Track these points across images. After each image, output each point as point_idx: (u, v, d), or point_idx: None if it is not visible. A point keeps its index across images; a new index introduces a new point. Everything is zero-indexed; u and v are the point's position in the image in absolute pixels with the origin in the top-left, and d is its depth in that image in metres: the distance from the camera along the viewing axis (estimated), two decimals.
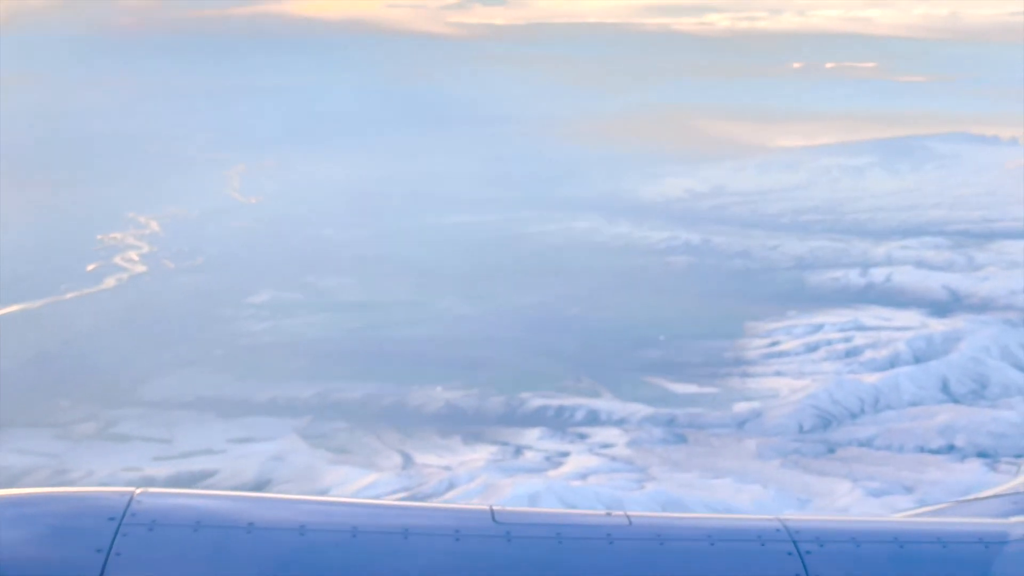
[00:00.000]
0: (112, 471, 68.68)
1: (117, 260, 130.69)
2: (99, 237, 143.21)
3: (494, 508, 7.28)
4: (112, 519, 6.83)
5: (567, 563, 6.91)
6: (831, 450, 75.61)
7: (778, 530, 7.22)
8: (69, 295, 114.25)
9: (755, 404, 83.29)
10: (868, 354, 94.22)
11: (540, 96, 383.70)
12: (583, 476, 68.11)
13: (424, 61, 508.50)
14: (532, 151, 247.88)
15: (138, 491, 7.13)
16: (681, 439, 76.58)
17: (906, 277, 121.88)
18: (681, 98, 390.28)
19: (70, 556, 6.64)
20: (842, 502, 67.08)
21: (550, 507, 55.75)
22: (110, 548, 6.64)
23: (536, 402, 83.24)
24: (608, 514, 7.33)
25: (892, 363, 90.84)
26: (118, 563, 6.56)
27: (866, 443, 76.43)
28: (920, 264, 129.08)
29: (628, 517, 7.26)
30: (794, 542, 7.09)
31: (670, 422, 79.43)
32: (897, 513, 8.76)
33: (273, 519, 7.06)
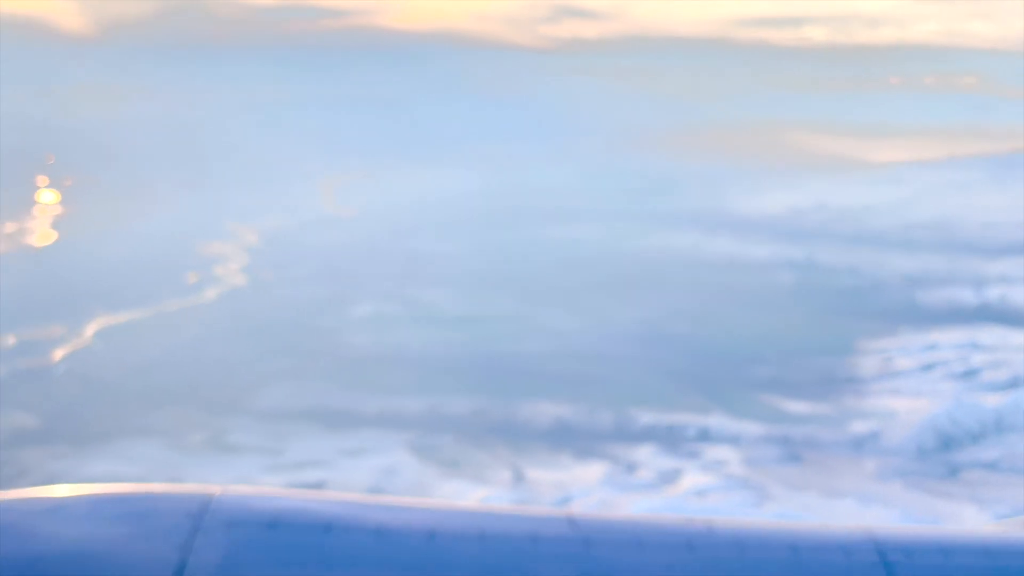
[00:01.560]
0: (224, 481, 68.06)
1: (217, 270, 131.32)
2: (199, 247, 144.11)
3: (572, 513, 7.26)
4: (190, 517, 6.79)
5: (646, 571, 6.79)
6: (954, 472, 73.36)
7: (865, 540, 7.07)
8: (173, 305, 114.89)
9: (872, 424, 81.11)
10: (987, 374, 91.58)
11: (634, 109, 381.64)
12: (700, 494, 66.59)
13: (516, 73, 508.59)
14: (628, 164, 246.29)
15: (218, 490, 7.16)
16: (797, 458, 74.72)
17: (1022, 295, 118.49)
18: (778, 112, 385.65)
19: (148, 554, 6.53)
20: (969, 526, 64.70)
21: None
22: (189, 547, 6.54)
23: (646, 418, 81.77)
24: (688, 520, 7.41)
25: (1013, 383, 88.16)
26: (196, 562, 6.45)
27: (991, 466, 74.00)
28: None
29: (709, 524, 7.30)
30: (881, 552, 6.91)
31: (784, 441, 77.60)
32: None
33: (351, 521, 6.99)
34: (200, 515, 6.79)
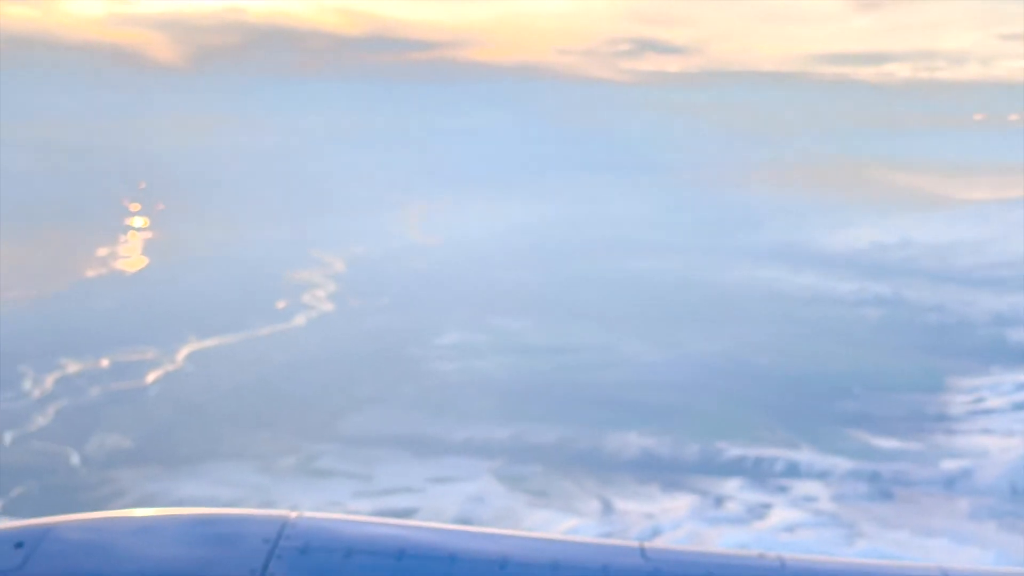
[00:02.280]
0: (315, 505, 69.07)
1: (305, 298, 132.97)
2: (287, 274, 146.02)
3: (644, 545, 7.35)
4: (267, 541, 6.97)
5: None
6: None
7: None
8: (262, 330, 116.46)
9: (964, 462, 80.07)
10: None
11: (716, 143, 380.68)
12: (790, 529, 66.20)
13: (597, 106, 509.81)
14: (709, 198, 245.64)
15: (294, 514, 7.33)
16: (887, 495, 73.97)
17: None
18: (861, 148, 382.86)
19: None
20: None
21: None
22: (264, 570, 6.75)
23: (733, 451, 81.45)
24: (761, 555, 7.36)
25: None
26: None
27: None
28: None
29: (781, 559, 7.31)
30: None
31: (874, 477, 76.88)
32: None
33: (424, 548, 7.12)
34: (276, 539, 7.05)
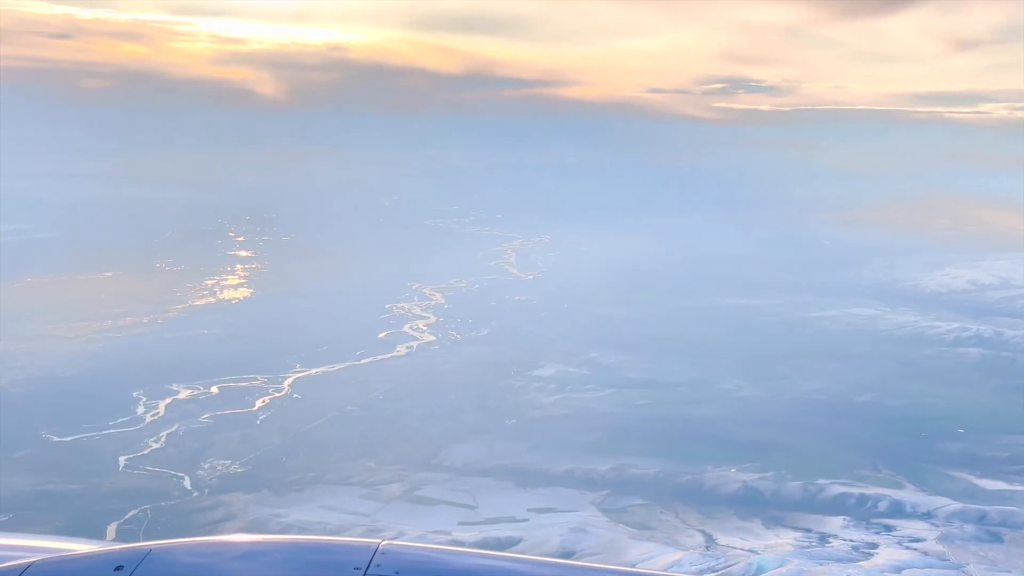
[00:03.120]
0: (421, 533, 70.38)
1: (406, 329, 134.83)
2: (388, 306, 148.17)
3: None
4: (359, 569, 7.21)
5: None
6: None
7: None
8: (365, 360, 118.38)
9: None
10: None
11: (810, 181, 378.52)
12: (897, 570, 65.99)
13: (690, 144, 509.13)
14: (804, 236, 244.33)
15: (383, 543, 7.50)
16: (996, 537, 73.37)
17: None
18: (956, 187, 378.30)
19: None
20: None
21: None
22: None
23: (835, 489, 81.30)
24: None
25: None
26: None
27: None
28: None
29: None
30: None
31: (981, 519, 76.26)
32: None
33: None
34: (367, 567, 7.34)
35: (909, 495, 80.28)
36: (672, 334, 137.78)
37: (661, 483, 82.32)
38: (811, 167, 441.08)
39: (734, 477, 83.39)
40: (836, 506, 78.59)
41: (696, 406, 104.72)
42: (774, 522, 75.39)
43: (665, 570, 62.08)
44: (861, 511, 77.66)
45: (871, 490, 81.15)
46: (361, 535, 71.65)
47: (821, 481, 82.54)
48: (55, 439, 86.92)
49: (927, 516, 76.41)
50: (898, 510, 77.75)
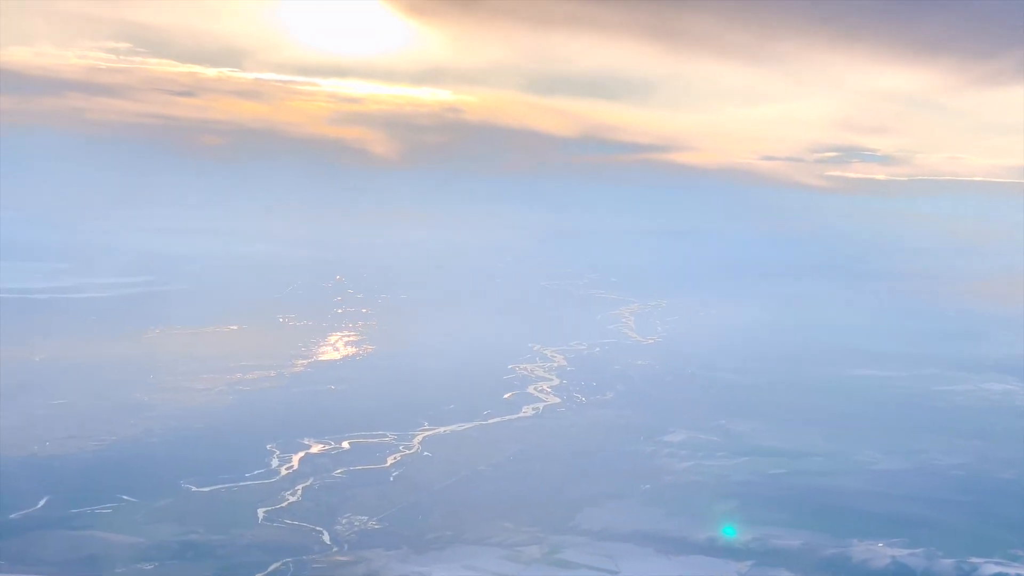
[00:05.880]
0: None
1: (531, 390, 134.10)
2: (510, 366, 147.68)
3: None
4: None
5: None
6: None
7: None
8: (492, 420, 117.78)
9: None
10: None
11: (931, 253, 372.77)
12: None
13: (804, 212, 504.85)
14: (930, 307, 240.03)
15: None
16: None
17: None
18: None
19: None
20: None
21: None
22: None
23: (990, 568, 78.40)
24: None
25: None
26: None
27: None
28: None
29: None
30: None
31: None
32: None
33: None
34: None
35: None
36: (800, 403, 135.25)
37: (806, 555, 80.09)
38: (927, 238, 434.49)
39: (882, 552, 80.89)
40: None
41: (833, 477, 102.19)
42: None
43: None
44: None
45: None
46: None
47: (974, 559, 79.75)
48: (194, 489, 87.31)
49: None
50: None
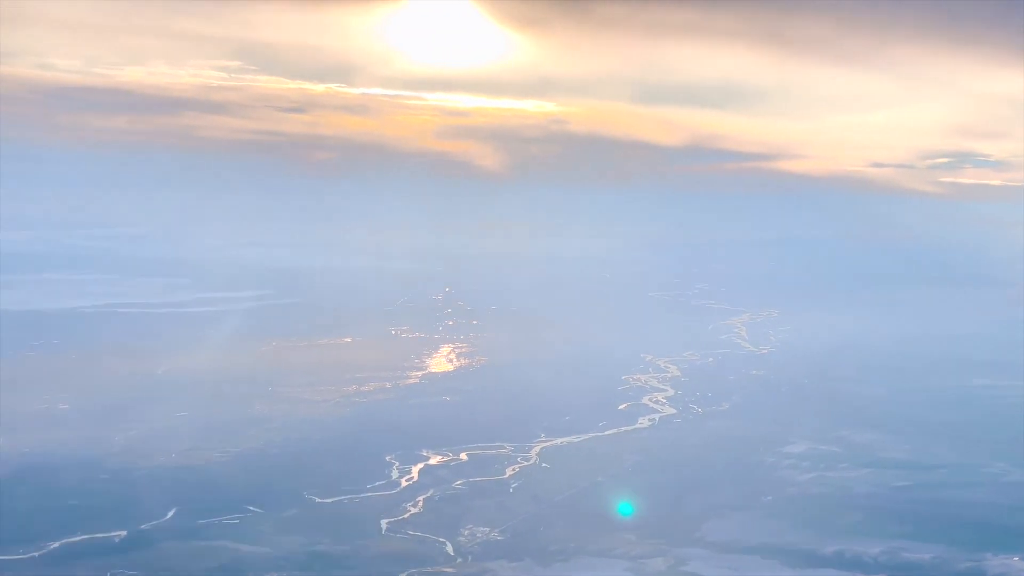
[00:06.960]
0: None
1: (646, 401, 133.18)
2: (624, 377, 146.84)
3: None
4: None
5: None
6: None
7: None
8: (608, 431, 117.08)
9: None
10: None
11: None
12: None
13: (914, 219, 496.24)
14: None
15: None
16: None
17: None
18: None
19: None
20: None
21: None
22: None
23: None
24: None
25: None
26: None
27: None
28: None
29: None
30: None
31: None
32: None
33: None
34: None
35: None
36: (922, 414, 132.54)
37: (938, 569, 78.37)
38: None
39: (1018, 566, 78.79)
40: None
41: (962, 489, 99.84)
42: None
43: None
44: None
45: None
46: None
47: None
48: (318, 500, 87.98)
49: None
50: None
